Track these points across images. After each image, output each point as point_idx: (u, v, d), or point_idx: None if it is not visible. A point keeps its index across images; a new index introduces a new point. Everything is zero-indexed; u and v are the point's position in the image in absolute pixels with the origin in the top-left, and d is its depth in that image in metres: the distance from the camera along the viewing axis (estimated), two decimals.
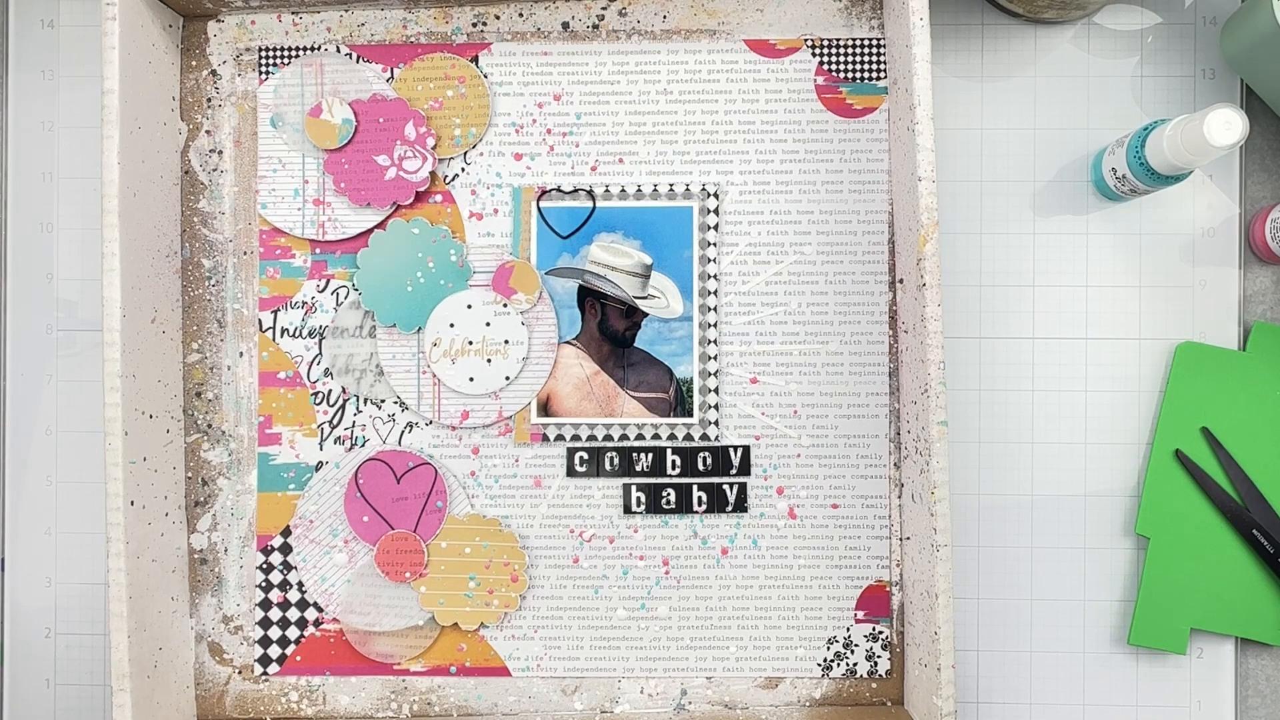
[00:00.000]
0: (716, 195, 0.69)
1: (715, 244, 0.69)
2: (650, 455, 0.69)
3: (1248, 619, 0.68)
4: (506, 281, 0.69)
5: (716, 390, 0.69)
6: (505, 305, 0.69)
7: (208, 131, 0.70)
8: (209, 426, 0.70)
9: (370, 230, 0.69)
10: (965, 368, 0.70)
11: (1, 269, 0.72)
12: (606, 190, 0.70)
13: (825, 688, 0.69)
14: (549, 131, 0.70)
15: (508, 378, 0.69)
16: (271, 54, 0.70)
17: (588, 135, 0.70)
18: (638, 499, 0.69)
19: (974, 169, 0.71)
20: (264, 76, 0.70)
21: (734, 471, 0.69)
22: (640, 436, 0.69)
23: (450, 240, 0.69)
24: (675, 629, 0.69)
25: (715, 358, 0.69)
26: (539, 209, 0.70)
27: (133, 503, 0.63)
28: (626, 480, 0.69)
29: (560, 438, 0.69)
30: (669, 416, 0.69)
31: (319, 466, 0.69)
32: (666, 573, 0.69)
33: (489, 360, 0.69)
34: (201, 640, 0.69)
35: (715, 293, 0.69)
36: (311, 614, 0.69)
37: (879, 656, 0.69)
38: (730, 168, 0.70)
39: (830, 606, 0.69)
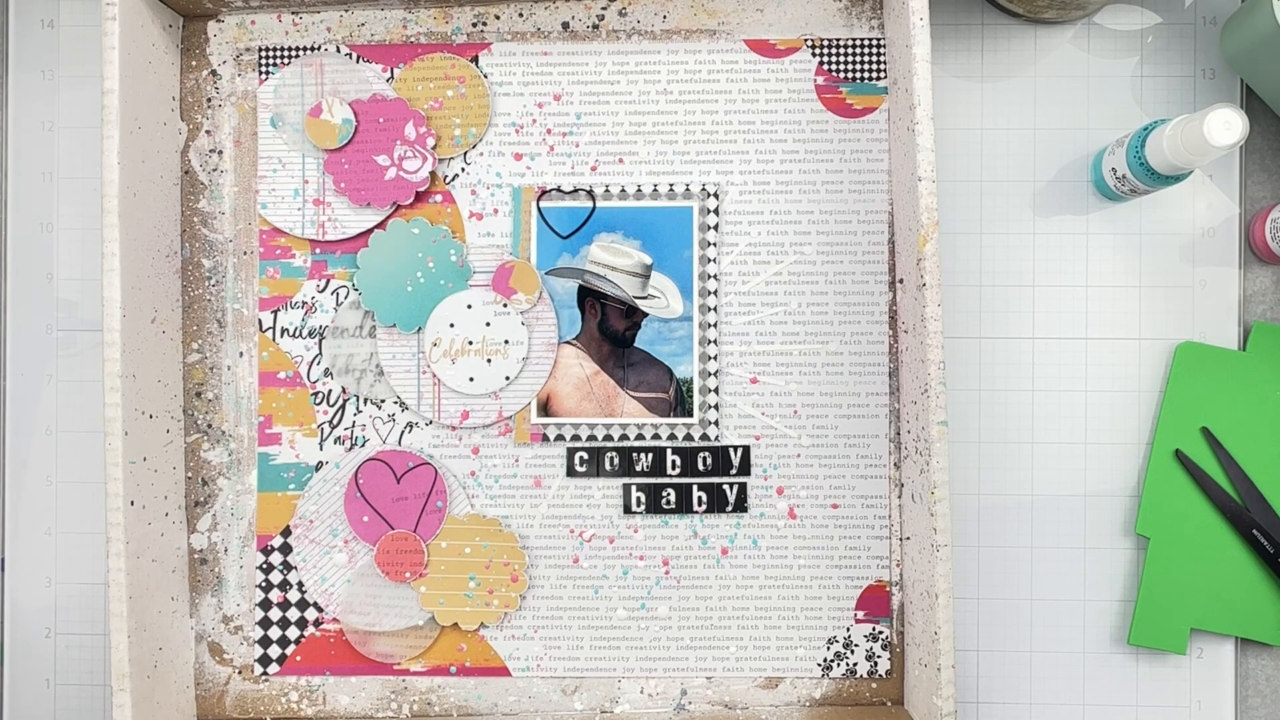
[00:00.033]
0: (716, 195, 0.69)
1: (715, 244, 0.69)
2: (650, 455, 0.69)
3: (1248, 619, 0.68)
4: (506, 281, 0.69)
5: (716, 390, 0.69)
6: (505, 305, 0.69)
7: (208, 131, 0.70)
8: (209, 426, 0.70)
9: (370, 230, 0.69)
10: (965, 368, 0.70)
11: (1, 269, 0.72)
12: (606, 190, 0.70)
13: (825, 688, 0.69)
14: (549, 131, 0.70)
15: (508, 378, 0.69)
16: (271, 54, 0.70)
17: (588, 135, 0.70)
18: (638, 499, 0.69)
19: (974, 169, 0.71)
20: (264, 76, 0.70)
21: (734, 471, 0.69)
22: (640, 436, 0.69)
23: (450, 240, 0.69)
24: (675, 629, 0.69)
25: (715, 358, 0.69)
26: (539, 209, 0.70)
27: (133, 503, 0.63)
28: (626, 480, 0.69)
29: (560, 438, 0.69)
30: (669, 416, 0.69)
31: (319, 466, 0.69)
32: (666, 573, 0.69)
33: (489, 360, 0.69)
34: (201, 640, 0.69)
35: (715, 293, 0.69)
36: (311, 614, 0.69)
37: (879, 656, 0.69)
38: (730, 168, 0.70)
39: (830, 606, 0.69)
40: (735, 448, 0.69)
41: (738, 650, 0.69)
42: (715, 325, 0.69)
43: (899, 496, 0.69)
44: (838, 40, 0.70)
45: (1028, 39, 0.71)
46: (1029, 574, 0.70)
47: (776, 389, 0.69)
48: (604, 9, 0.70)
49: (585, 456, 0.69)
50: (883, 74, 0.69)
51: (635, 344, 0.69)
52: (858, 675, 0.69)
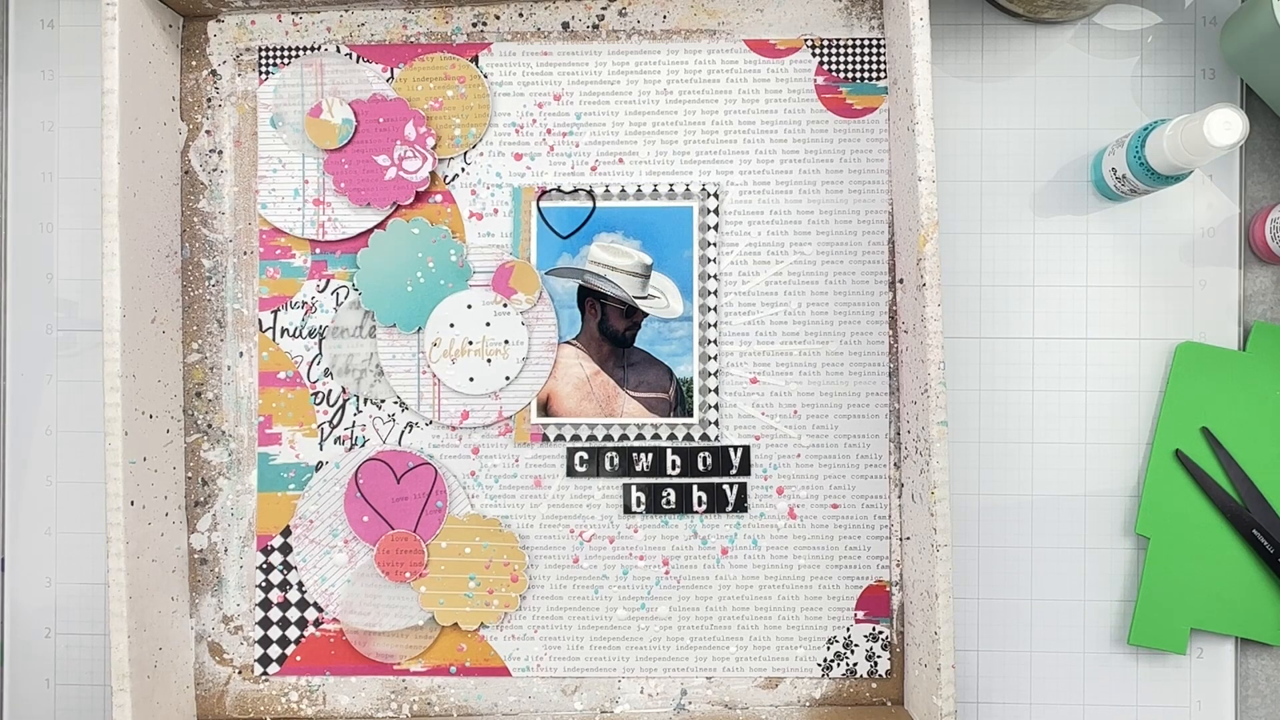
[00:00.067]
0: (716, 195, 0.69)
1: (715, 244, 0.69)
2: (650, 455, 0.69)
3: (1248, 619, 0.68)
4: (506, 281, 0.69)
5: (716, 390, 0.69)
6: (505, 305, 0.69)
7: (208, 131, 0.70)
8: (209, 426, 0.70)
9: (370, 230, 0.69)
10: (965, 368, 0.70)
11: (1, 269, 0.72)
12: (606, 190, 0.70)
13: (825, 688, 0.69)
14: (549, 131, 0.70)
15: (508, 378, 0.69)
16: (271, 54, 0.70)
17: (588, 135, 0.70)
18: (638, 499, 0.69)
19: (974, 169, 0.71)
20: (264, 76, 0.70)
21: (734, 471, 0.69)
22: (640, 436, 0.69)
23: (450, 240, 0.69)
24: (675, 629, 0.69)
25: (715, 358, 0.69)
26: (539, 209, 0.70)
27: (133, 503, 0.63)
28: (626, 480, 0.69)
29: (560, 438, 0.69)
30: (669, 416, 0.69)
31: (319, 466, 0.69)
32: (666, 573, 0.69)
33: (489, 360, 0.69)
34: (201, 640, 0.69)
35: (715, 293, 0.69)
36: (311, 614, 0.69)
37: (879, 656, 0.69)
38: (730, 168, 0.70)
39: (830, 606, 0.69)
40: (735, 448, 0.69)
41: (738, 650, 0.69)
42: (715, 325, 0.69)
43: (899, 496, 0.69)
44: (838, 40, 0.70)
45: (1028, 39, 0.71)
46: (1029, 574, 0.70)
47: (776, 389, 0.69)
48: (604, 9, 0.70)
49: (585, 456, 0.69)
50: (883, 74, 0.69)
51: (635, 344, 0.69)
52: (858, 675, 0.69)
